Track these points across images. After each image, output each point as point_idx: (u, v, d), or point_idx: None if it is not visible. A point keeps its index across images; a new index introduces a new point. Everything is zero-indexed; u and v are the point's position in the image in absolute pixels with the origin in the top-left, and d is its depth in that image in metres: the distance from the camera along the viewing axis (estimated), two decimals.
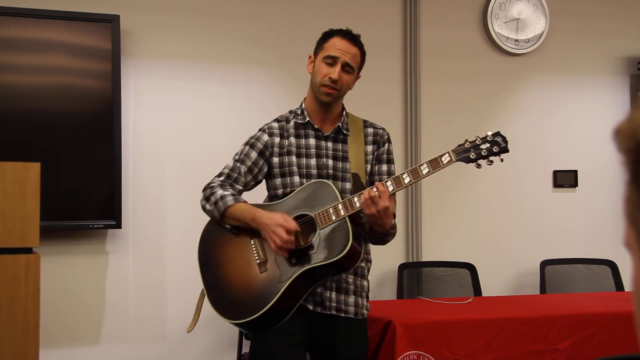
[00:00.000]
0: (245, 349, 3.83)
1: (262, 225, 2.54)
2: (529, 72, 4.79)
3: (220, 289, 2.64)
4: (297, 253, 2.53)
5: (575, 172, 4.82)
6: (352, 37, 2.70)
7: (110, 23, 3.84)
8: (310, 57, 2.76)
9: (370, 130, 2.77)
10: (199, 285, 3.89)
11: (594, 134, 4.86)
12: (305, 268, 2.50)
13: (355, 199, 2.50)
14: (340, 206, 2.51)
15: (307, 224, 2.56)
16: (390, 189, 2.48)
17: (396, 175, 2.52)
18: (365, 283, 2.73)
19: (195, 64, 4.13)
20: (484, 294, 4.26)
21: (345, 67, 2.66)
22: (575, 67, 4.89)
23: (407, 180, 2.48)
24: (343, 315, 2.64)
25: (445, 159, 2.48)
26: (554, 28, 4.80)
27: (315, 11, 4.28)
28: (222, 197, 2.62)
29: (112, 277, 3.95)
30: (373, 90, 4.33)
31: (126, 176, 3.93)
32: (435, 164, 2.48)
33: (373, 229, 2.57)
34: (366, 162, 2.72)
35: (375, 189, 2.45)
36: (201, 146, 4.09)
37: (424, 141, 4.50)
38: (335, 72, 2.63)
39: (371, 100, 4.25)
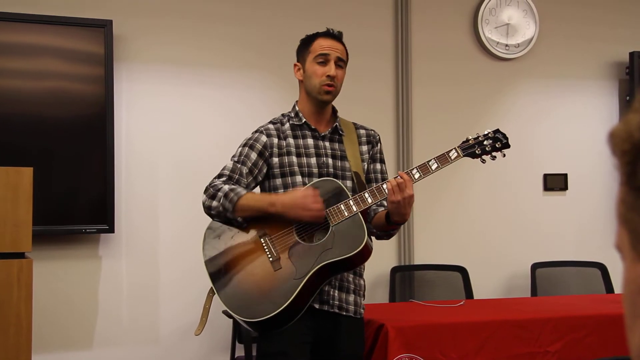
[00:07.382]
0: (239, 352, 3.84)
1: (287, 205, 2.53)
2: (519, 76, 4.82)
3: (233, 287, 2.59)
4: (312, 249, 2.54)
5: (565, 175, 4.86)
6: (334, 35, 2.76)
7: (103, 28, 3.85)
8: (295, 64, 2.79)
9: (362, 131, 2.83)
10: (191, 288, 3.94)
11: (584, 138, 4.89)
12: (324, 263, 2.50)
13: (367, 194, 2.56)
14: (351, 202, 2.55)
15: None
16: (417, 176, 2.59)
17: (406, 170, 2.61)
18: (362, 282, 2.77)
19: (187, 69, 4.14)
20: (475, 297, 4.28)
21: (338, 62, 2.71)
22: (565, 72, 4.93)
23: (417, 175, 2.59)
24: (344, 313, 2.67)
25: (453, 154, 2.62)
26: (543, 33, 4.84)
27: (308, 15, 4.29)
28: (232, 189, 2.59)
29: (105, 281, 3.95)
30: (365, 93, 4.36)
31: (119, 181, 3.93)
32: (444, 159, 2.61)
33: (393, 218, 2.58)
34: (362, 161, 2.77)
35: (400, 178, 2.52)
36: (193, 150, 4.10)
37: (415, 143, 4.53)
38: (331, 68, 2.68)
39: (363, 102, 4.27)
